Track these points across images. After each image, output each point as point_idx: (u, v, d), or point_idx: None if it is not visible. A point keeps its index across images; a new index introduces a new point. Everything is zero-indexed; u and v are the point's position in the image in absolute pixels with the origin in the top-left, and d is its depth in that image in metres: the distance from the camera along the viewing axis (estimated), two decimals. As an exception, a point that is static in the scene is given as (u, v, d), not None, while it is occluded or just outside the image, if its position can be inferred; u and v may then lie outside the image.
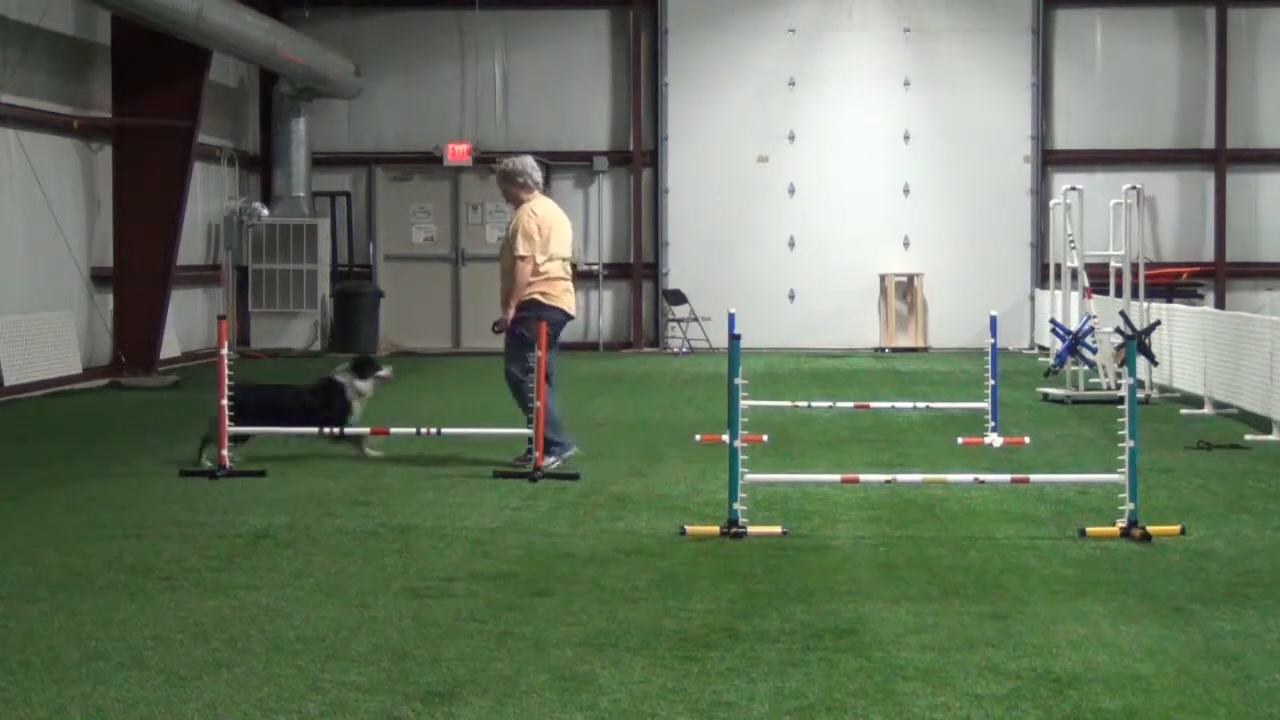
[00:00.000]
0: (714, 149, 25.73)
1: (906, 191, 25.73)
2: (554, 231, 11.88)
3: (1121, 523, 9.03)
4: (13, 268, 18.03)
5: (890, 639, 6.69)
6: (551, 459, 11.51)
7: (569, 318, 12.10)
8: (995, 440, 13.20)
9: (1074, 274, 17.78)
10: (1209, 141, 25.54)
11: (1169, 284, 24.08)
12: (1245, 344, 14.47)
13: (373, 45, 26.04)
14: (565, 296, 11.97)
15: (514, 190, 12.00)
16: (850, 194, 25.65)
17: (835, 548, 8.78)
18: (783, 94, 25.73)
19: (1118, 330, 16.08)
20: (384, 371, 12.51)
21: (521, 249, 11.74)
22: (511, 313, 11.77)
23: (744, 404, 9.22)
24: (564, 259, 11.97)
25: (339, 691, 5.93)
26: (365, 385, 12.35)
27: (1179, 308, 18.03)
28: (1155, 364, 16.45)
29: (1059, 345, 16.86)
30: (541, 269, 11.82)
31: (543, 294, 11.84)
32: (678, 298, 25.56)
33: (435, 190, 26.29)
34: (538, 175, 12.08)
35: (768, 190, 25.73)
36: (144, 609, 7.26)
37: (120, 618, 7.08)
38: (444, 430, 12.36)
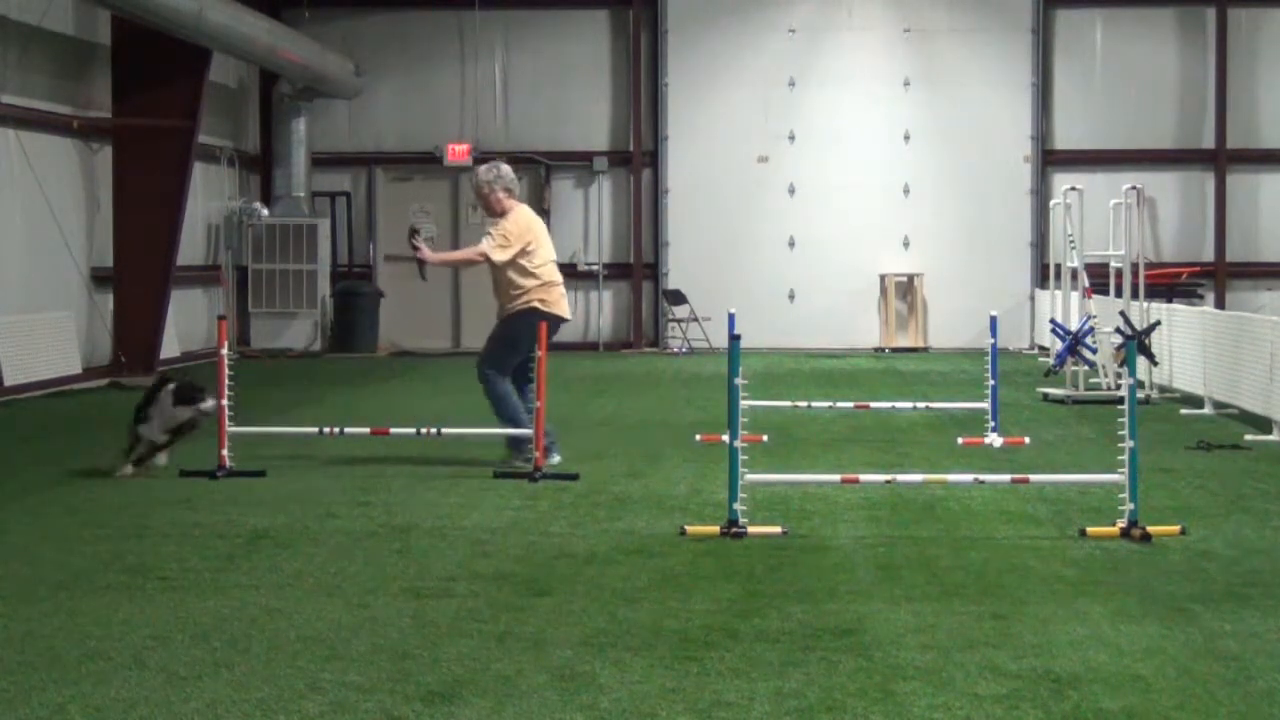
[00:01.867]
0: (714, 149, 25.73)
1: (906, 191, 25.73)
2: (543, 236, 11.87)
3: (1121, 523, 9.03)
4: (13, 268, 18.02)
5: (890, 639, 6.69)
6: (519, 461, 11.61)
7: (564, 321, 12.07)
8: (995, 440, 13.20)
9: (1074, 274, 17.78)
10: (1209, 141, 25.53)
11: (1169, 284, 24.07)
12: (1245, 344, 14.47)
13: (373, 45, 26.04)
14: (562, 302, 11.95)
15: (498, 197, 11.87)
16: (850, 194, 25.64)
17: (835, 548, 8.78)
18: (783, 94, 25.73)
19: (1118, 330, 16.08)
20: (205, 404, 11.36)
21: (498, 256, 11.74)
22: (433, 256, 12.33)
23: (744, 404, 9.22)
24: (555, 261, 11.95)
25: (339, 691, 5.93)
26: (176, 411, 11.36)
27: (1179, 308, 18.03)
28: (1155, 364, 16.45)
29: (1059, 345, 16.86)
30: (537, 273, 11.74)
31: (541, 300, 11.77)
32: (678, 298, 25.55)
33: (435, 190, 26.29)
34: (510, 185, 11.94)
35: (768, 190, 25.73)
36: (144, 609, 7.26)
37: (120, 618, 7.08)
38: (444, 430, 12.36)
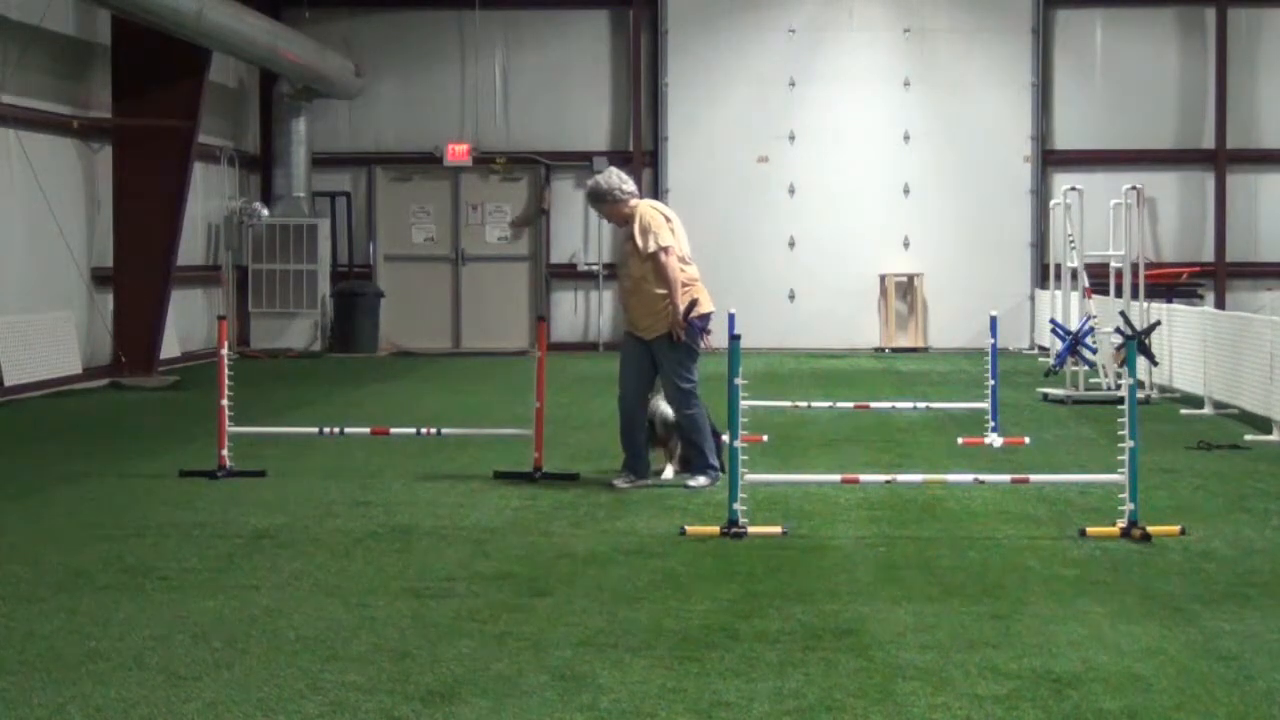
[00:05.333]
0: (714, 149, 25.71)
1: (906, 191, 25.72)
2: (679, 229, 10.93)
3: (1121, 523, 9.03)
4: (13, 268, 18.02)
5: (890, 639, 6.69)
6: (704, 480, 10.87)
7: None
8: (995, 440, 13.20)
9: (1074, 274, 17.78)
10: (1209, 141, 25.52)
11: (1169, 284, 24.07)
12: (1245, 344, 14.47)
13: (373, 45, 26.03)
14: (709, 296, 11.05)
15: (614, 209, 10.95)
16: (850, 194, 25.63)
17: (835, 548, 8.79)
18: (783, 94, 25.72)
19: (1118, 330, 16.07)
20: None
21: (664, 239, 10.69)
22: (683, 308, 10.68)
23: (744, 404, 9.23)
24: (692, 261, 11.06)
25: (339, 691, 5.93)
26: None
27: (1179, 308, 18.03)
28: (1155, 364, 16.45)
29: (1059, 345, 16.86)
30: (687, 272, 10.83)
31: (698, 300, 10.83)
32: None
33: (435, 190, 26.28)
34: (629, 185, 10.94)
35: (768, 190, 25.72)
36: (144, 609, 7.26)
37: (120, 618, 7.08)
38: (444, 430, 12.36)
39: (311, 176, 25.57)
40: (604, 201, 11.00)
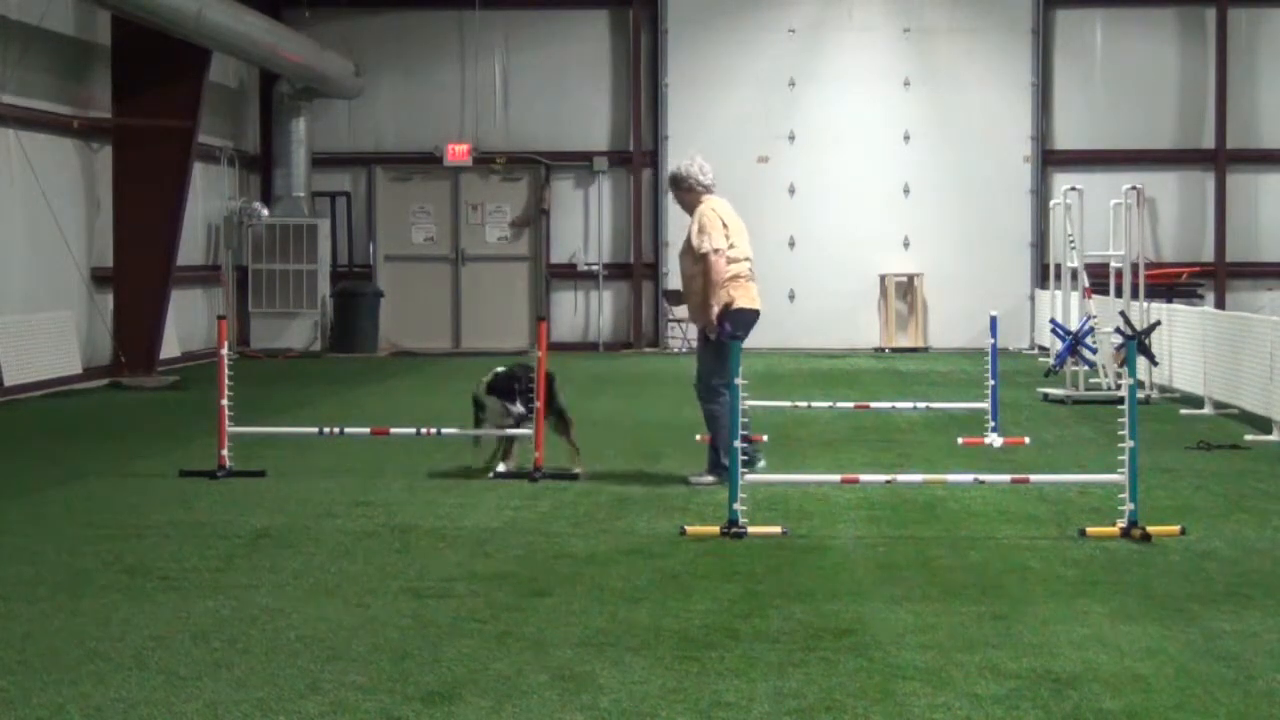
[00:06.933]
0: (714, 149, 25.47)
1: (906, 191, 25.72)
2: (737, 228, 11.16)
3: (1121, 523, 9.03)
4: (13, 268, 18.02)
5: (890, 639, 6.69)
6: (710, 478, 10.92)
7: (758, 314, 11.32)
8: (995, 440, 13.20)
9: (1074, 274, 17.78)
10: (1209, 141, 25.52)
11: (1169, 284, 24.07)
12: (1245, 344, 14.47)
13: (373, 45, 26.03)
14: (751, 293, 11.14)
15: (686, 197, 11.25)
16: (850, 194, 25.63)
17: (835, 548, 8.79)
18: (783, 94, 25.73)
19: (1118, 330, 16.08)
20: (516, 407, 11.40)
21: (717, 242, 10.94)
22: (716, 310, 10.89)
23: (744, 404, 9.22)
24: (749, 259, 11.24)
25: (339, 691, 5.93)
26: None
27: (1179, 308, 18.03)
28: (1155, 364, 16.45)
29: (1059, 345, 16.86)
30: (731, 271, 11.02)
31: (730, 297, 10.99)
32: (678, 298, 25.49)
33: (435, 190, 26.28)
34: (706, 179, 11.21)
35: (768, 190, 25.70)
36: (144, 609, 7.26)
37: (120, 618, 7.08)
38: (444, 430, 12.36)
39: (311, 176, 25.58)
40: (679, 188, 11.34)
